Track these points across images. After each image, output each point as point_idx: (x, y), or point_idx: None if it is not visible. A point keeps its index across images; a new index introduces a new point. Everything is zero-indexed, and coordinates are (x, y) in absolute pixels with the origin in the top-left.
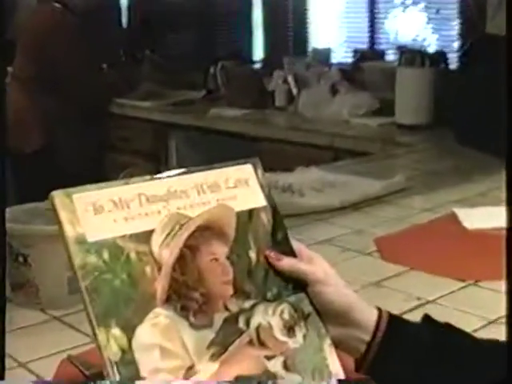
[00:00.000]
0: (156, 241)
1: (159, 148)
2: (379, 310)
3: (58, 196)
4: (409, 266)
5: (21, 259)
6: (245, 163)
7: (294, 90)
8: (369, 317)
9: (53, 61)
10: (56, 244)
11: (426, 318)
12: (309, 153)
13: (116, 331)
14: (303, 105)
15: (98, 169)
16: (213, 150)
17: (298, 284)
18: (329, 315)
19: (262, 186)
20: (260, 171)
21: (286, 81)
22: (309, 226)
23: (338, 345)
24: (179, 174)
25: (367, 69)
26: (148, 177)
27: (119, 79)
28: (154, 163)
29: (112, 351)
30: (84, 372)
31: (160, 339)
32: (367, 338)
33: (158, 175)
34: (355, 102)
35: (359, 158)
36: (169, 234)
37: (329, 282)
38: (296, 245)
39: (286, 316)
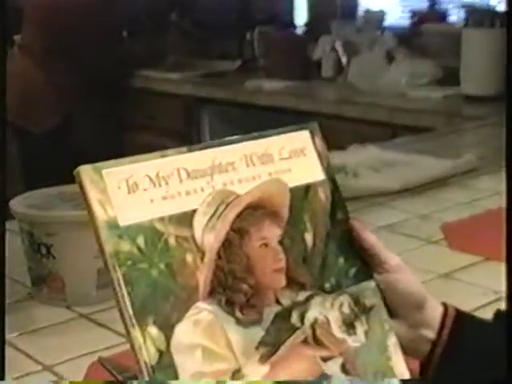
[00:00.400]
0: (199, 223)
1: (189, 126)
2: (445, 305)
3: (85, 172)
4: (482, 255)
5: (43, 250)
6: (301, 129)
7: (343, 59)
8: (435, 313)
9: (66, 29)
10: (83, 231)
11: (500, 315)
12: (363, 129)
13: (153, 330)
14: (354, 75)
15: (119, 151)
16: (250, 127)
17: (363, 271)
18: (401, 309)
19: (320, 157)
20: (318, 139)
21: (333, 48)
22: (366, 210)
23: (402, 344)
24: (224, 144)
25: (427, 32)
26: (188, 148)
27: (142, 49)
28: (184, 144)
29: (149, 353)
30: (117, 376)
31: (202, 339)
32: (433, 336)
33: (200, 145)
34: (414, 70)
35: (421, 134)
36: (213, 215)
37: (406, 270)
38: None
39: (346, 309)
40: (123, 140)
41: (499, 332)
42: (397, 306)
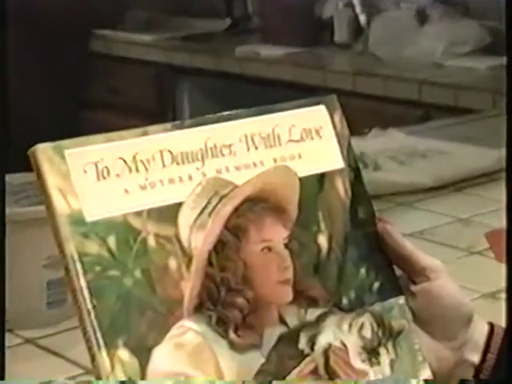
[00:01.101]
0: (185, 220)
1: (163, 104)
2: (491, 324)
3: (43, 152)
4: None
5: None
6: (316, 104)
7: (362, 18)
8: (481, 332)
9: None
10: (29, 233)
11: None
12: (386, 110)
13: (124, 354)
14: (376, 40)
15: (72, 134)
16: (241, 106)
17: (390, 285)
18: (446, 326)
19: (339, 139)
20: (338, 116)
21: (349, 4)
22: (390, 212)
23: (440, 373)
24: (220, 121)
25: None
26: (174, 124)
27: (100, 2)
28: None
29: (117, 382)
30: None
31: (187, 366)
32: (476, 360)
33: (190, 121)
34: (454, 34)
35: (460, 116)
36: (203, 210)
37: (450, 279)
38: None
39: (368, 333)
40: (77, 120)
41: None
42: (441, 322)
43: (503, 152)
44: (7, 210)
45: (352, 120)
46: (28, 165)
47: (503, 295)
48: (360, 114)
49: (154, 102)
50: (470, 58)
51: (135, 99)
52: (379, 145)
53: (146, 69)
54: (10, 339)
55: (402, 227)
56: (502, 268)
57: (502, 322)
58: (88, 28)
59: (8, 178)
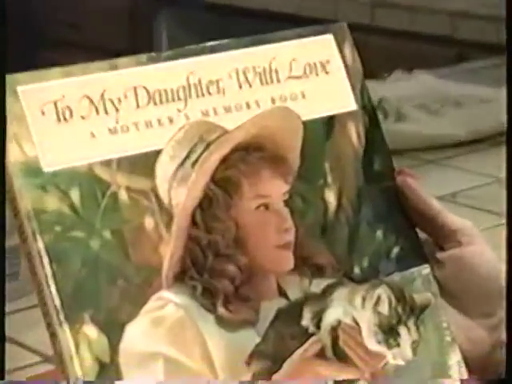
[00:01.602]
0: (164, 171)
1: (136, 41)
2: None
3: None
4: None
5: None
6: (322, 32)
7: None
8: None
9: None
10: None
11: None
12: (411, 48)
13: (91, 330)
14: None
15: None
16: (225, 35)
17: (413, 250)
18: (482, 300)
19: (350, 75)
20: (348, 47)
21: None
22: (416, 170)
23: (468, 359)
24: (206, 52)
25: None
26: (150, 56)
27: None
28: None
29: (83, 365)
30: None
31: (166, 346)
32: None
33: (169, 52)
34: None
35: (502, 56)
36: (186, 160)
37: (485, 245)
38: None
39: (385, 309)
40: (32, 62)
41: None
42: (474, 296)
43: None
44: None
45: (370, 60)
46: None
47: None
48: (379, 54)
49: (127, 39)
50: None
51: (103, 36)
52: (403, 90)
53: None
54: None
55: (429, 189)
56: None
57: None
58: None
59: None
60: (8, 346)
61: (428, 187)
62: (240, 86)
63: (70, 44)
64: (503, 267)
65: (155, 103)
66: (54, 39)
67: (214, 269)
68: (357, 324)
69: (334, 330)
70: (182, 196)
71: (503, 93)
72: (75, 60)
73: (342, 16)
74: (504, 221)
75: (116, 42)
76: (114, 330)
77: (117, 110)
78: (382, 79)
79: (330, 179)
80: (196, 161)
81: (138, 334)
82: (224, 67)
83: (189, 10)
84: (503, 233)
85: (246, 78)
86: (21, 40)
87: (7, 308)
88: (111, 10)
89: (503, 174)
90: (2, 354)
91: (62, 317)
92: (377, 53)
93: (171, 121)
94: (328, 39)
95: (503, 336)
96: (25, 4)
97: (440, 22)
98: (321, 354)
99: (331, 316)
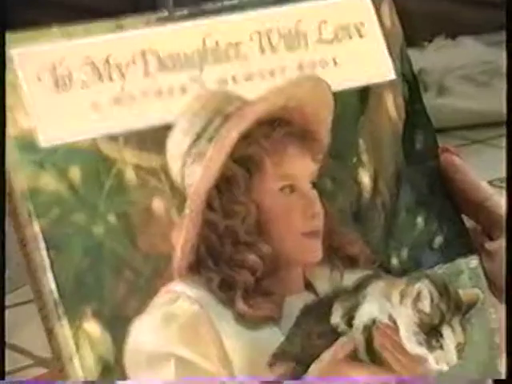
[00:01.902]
0: (176, 147)
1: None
2: None
3: None
4: None
5: None
6: None
7: None
8: None
9: None
10: None
11: None
12: (455, 10)
13: (93, 326)
14: None
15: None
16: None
17: (458, 240)
18: None
19: (388, 40)
20: (387, 8)
21: None
22: (461, 151)
23: None
24: (224, 11)
25: None
26: (160, 16)
27: None
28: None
29: (84, 365)
30: None
31: (178, 344)
32: None
33: (182, 10)
34: None
35: None
36: (202, 134)
37: None
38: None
39: (427, 306)
40: (21, 24)
41: None
42: None
43: None
44: None
45: (407, 25)
46: None
47: None
48: (418, 17)
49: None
50: None
51: None
52: (446, 59)
53: None
54: None
55: (477, 172)
56: None
57: None
58: None
59: None
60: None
61: (476, 170)
62: (263, 51)
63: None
64: None
65: (166, 70)
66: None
67: (232, 258)
68: (394, 323)
69: (368, 329)
70: (196, 175)
71: None
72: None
73: None
74: None
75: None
76: (119, 327)
77: (123, 76)
78: (421, 47)
79: (364, 158)
80: (213, 136)
81: (146, 332)
82: (245, 29)
83: None
84: None
85: (270, 42)
86: None
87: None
88: None
89: None
90: (2, 355)
91: (60, 311)
92: (415, 16)
93: (184, 90)
94: None
95: None
96: None
97: None
98: (352, 356)
99: (365, 313)
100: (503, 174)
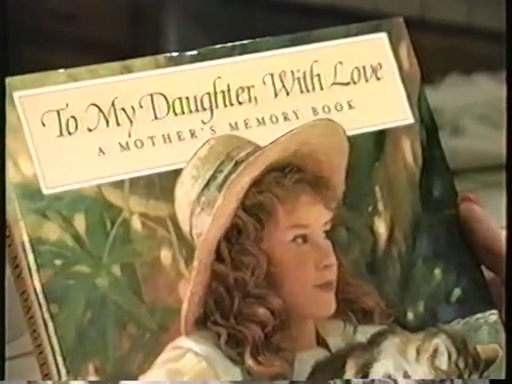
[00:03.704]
0: (185, 195)
1: (141, 37)
2: None
3: None
4: None
5: None
6: (375, 30)
7: None
8: None
9: None
10: None
11: None
12: (470, 46)
13: None
14: None
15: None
16: (249, 33)
17: (478, 294)
18: None
19: (406, 82)
20: (405, 49)
21: None
22: (476, 195)
23: None
24: (236, 53)
25: None
26: (169, 57)
27: None
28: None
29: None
30: None
31: None
32: None
33: (192, 53)
34: None
35: None
36: (211, 181)
37: None
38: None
39: (444, 363)
40: (20, 59)
41: None
42: None
43: None
44: None
45: (422, 61)
46: None
47: None
48: (431, 53)
49: (128, 35)
50: None
51: (100, 31)
52: (460, 97)
53: None
54: None
55: (494, 214)
56: None
57: None
58: None
59: None
60: None
61: (491, 212)
62: (276, 94)
63: (63, 39)
64: None
65: (175, 113)
66: (46, 34)
67: (241, 312)
68: (411, 380)
69: None
70: (205, 225)
71: None
72: (71, 59)
73: (386, 5)
74: None
75: (116, 37)
76: None
77: (130, 121)
78: (434, 84)
79: (380, 206)
80: (223, 183)
81: None
82: (257, 71)
83: (200, 1)
84: None
85: (283, 85)
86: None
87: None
88: (106, 2)
89: None
90: (2, 353)
91: (62, 370)
92: (428, 52)
93: (194, 135)
94: (381, 38)
95: None
96: None
97: (503, 16)
98: None
99: (380, 370)
100: None
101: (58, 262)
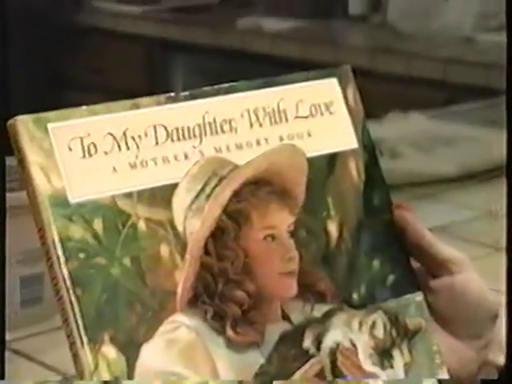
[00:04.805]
0: (180, 203)
1: (154, 84)
2: None
3: (23, 124)
4: None
5: None
6: (327, 75)
7: None
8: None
9: None
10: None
11: None
12: (406, 91)
13: (110, 350)
14: (396, 12)
15: None
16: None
17: (407, 279)
18: (472, 324)
19: (353, 116)
20: (351, 90)
21: None
22: (409, 204)
23: (458, 378)
24: (220, 93)
25: None
26: (168, 97)
27: None
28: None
29: (101, 382)
30: None
31: (179, 365)
32: (501, 362)
33: (186, 93)
34: (484, 7)
35: (491, 99)
36: (200, 193)
37: (475, 273)
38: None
39: (381, 333)
40: (57, 104)
41: None
42: (465, 320)
43: None
44: None
45: (368, 102)
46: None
47: None
48: (376, 96)
49: (144, 82)
50: (500, 32)
51: (123, 79)
52: (398, 130)
53: (135, 44)
54: None
55: (424, 221)
56: None
57: None
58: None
59: None
60: (31, 366)
61: (421, 219)
62: (251, 125)
63: (92, 86)
64: (491, 293)
65: (172, 140)
66: (78, 81)
67: (223, 294)
68: (354, 346)
69: (333, 351)
70: (196, 226)
71: (491, 132)
72: (99, 100)
73: (343, 59)
74: (491, 251)
75: (134, 85)
76: (131, 350)
77: (137, 146)
78: (380, 120)
79: (332, 212)
80: (210, 194)
81: (153, 354)
82: (236, 107)
83: (201, 54)
84: (492, 262)
85: (257, 118)
86: (50, 82)
87: (30, 331)
88: (130, 54)
89: (493, 208)
90: (2, 355)
91: (84, 338)
92: (374, 95)
93: (186, 156)
94: (332, 82)
95: (490, 356)
96: (57, 53)
97: (433, 67)
98: (320, 375)
99: (331, 339)
100: (443, 222)
101: (81, 255)
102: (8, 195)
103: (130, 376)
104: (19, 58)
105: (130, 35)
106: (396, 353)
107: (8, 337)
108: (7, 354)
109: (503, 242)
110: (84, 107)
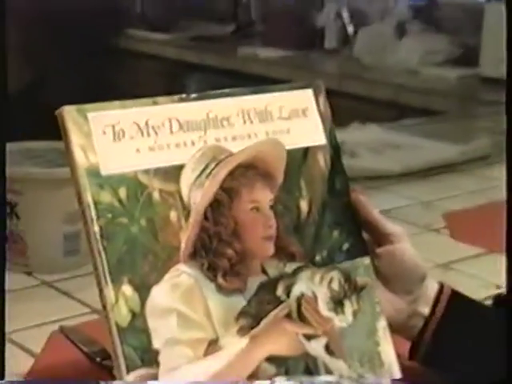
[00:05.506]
0: (186, 179)
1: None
2: (441, 283)
3: (69, 113)
4: (485, 247)
5: (7, 209)
6: (304, 87)
7: (350, 29)
8: (432, 289)
9: None
10: (52, 192)
11: (499, 301)
12: (366, 108)
13: (127, 289)
14: (361, 47)
15: None
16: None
17: (358, 246)
18: (404, 282)
19: (322, 119)
20: (322, 99)
21: (339, 16)
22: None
23: (396, 322)
24: (221, 96)
25: (445, 5)
26: (181, 97)
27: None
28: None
29: (120, 313)
30: (82, 348)
31: (179, 303)
32: (426, 313)
33: (195, 95)
34: (428, 46)
35: (430, 117)
36: (202, 172)
37: (409, 244)
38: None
39: (336, 286)
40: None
41: (498, 317)
42: (400, 280)
43: (463, 147)
44: (33, 170)
45: (336, 114)
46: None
47: (454, 266)
48: (344, 111)
49: (166, 93)
50: (441, 67)
51: (146, 90)
52: (357, 136)
53: (157, 63)
54: (29, 281)
55: (370, 202)
56: (456, 244)
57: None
58: (109, 27)
59: (33, 144)
60: (68, 301)
61: (370, 201)
62: (244, 122)
63: (123, 94)
64: (421, 260)
65: (184, 131)
66: (115, 91)
67: (217, 251)
68: (315, 296)
69: (299, 299)
70: (198, 198)
71: (429, 141)
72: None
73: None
74: (423, 230)
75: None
76: (144, 291)
77: (156, 133)
78: (343, 127)
79: (303, 192)
80: (210, 173)
81: (160, 294)
82: (234, 108)
83: (211, 74)
84: (423, 239)
85: (249, 117)
86: (91, 91)
87: (70, 274)
88: (152, 73)
89: (426, 199)
90: (2, 354)
91: (108, 279)
92: (342, 110)
93: (193, 144)
94: (308, 92)
95: (418, 308)
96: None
97: (388, 91)
98: (288, 316)
99: (297, 289)
100: (387, 207)
101: (108, 215)
102: (58, 169)
103: (142, 311)
104: (69, 72)
105: (156, 57)
106: (347, 302)
107: (52, 278)
108: (49, 291)
109: (434, 225)
110: (116, 102)
